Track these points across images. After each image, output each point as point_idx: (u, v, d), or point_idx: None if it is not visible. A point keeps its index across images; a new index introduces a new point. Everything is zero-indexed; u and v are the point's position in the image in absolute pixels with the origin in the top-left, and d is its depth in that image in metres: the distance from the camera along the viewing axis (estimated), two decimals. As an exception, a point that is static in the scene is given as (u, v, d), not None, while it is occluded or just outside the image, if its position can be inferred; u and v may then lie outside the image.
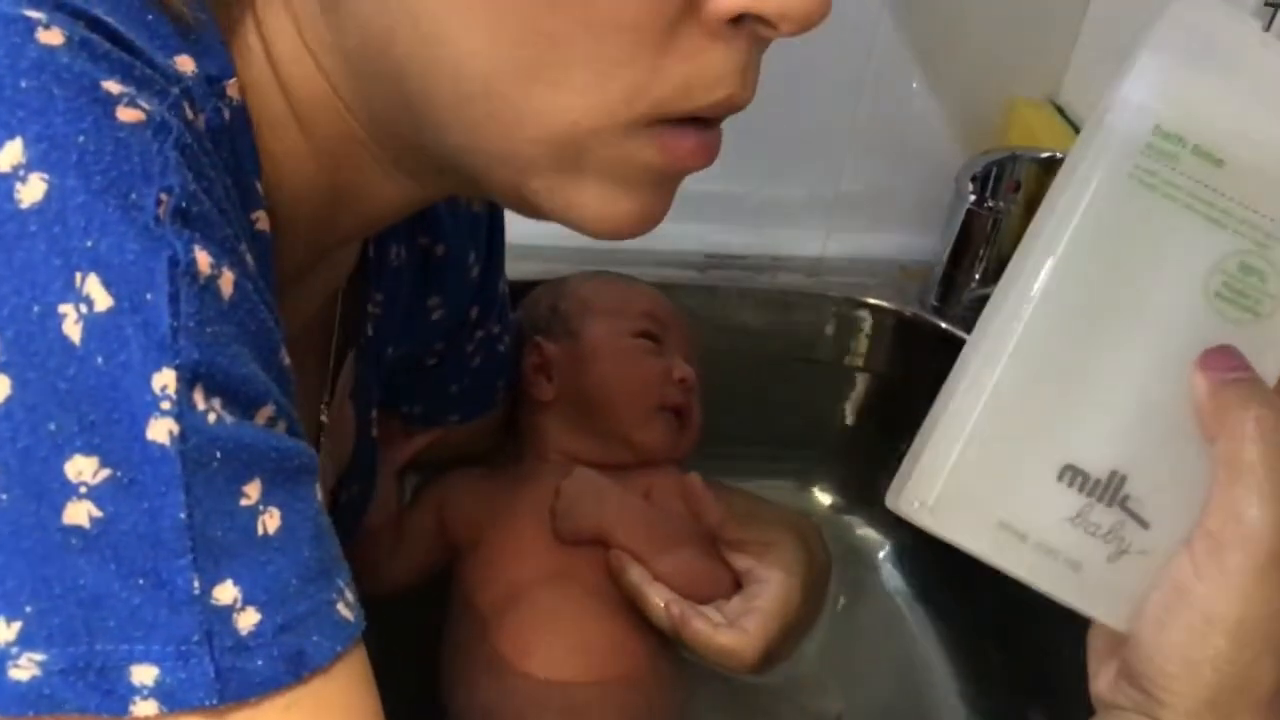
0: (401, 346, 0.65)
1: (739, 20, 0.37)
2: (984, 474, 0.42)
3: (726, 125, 0.90)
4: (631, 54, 0.37)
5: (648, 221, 0.42)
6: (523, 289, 0.82)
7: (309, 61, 0.40)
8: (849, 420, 0.99)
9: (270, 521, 0.33)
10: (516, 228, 0.79)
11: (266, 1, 0.40)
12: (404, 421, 0.72)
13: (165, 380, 0.31)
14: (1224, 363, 0.41)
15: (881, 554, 0.96)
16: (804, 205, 0.99)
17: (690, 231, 0.96)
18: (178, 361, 0.31)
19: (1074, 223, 0.41)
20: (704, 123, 0.40)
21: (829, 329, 0.95)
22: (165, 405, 0.31)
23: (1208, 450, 0.41)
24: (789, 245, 0.99)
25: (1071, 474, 0.42)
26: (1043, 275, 0.41)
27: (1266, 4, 0.71)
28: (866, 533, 0.97)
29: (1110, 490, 0.42)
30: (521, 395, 0.76)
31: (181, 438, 0.31)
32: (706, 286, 0.94)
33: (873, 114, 0.96)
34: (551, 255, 0.88)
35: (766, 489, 0.96)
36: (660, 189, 0.42)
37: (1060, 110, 0.95)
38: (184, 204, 0.32)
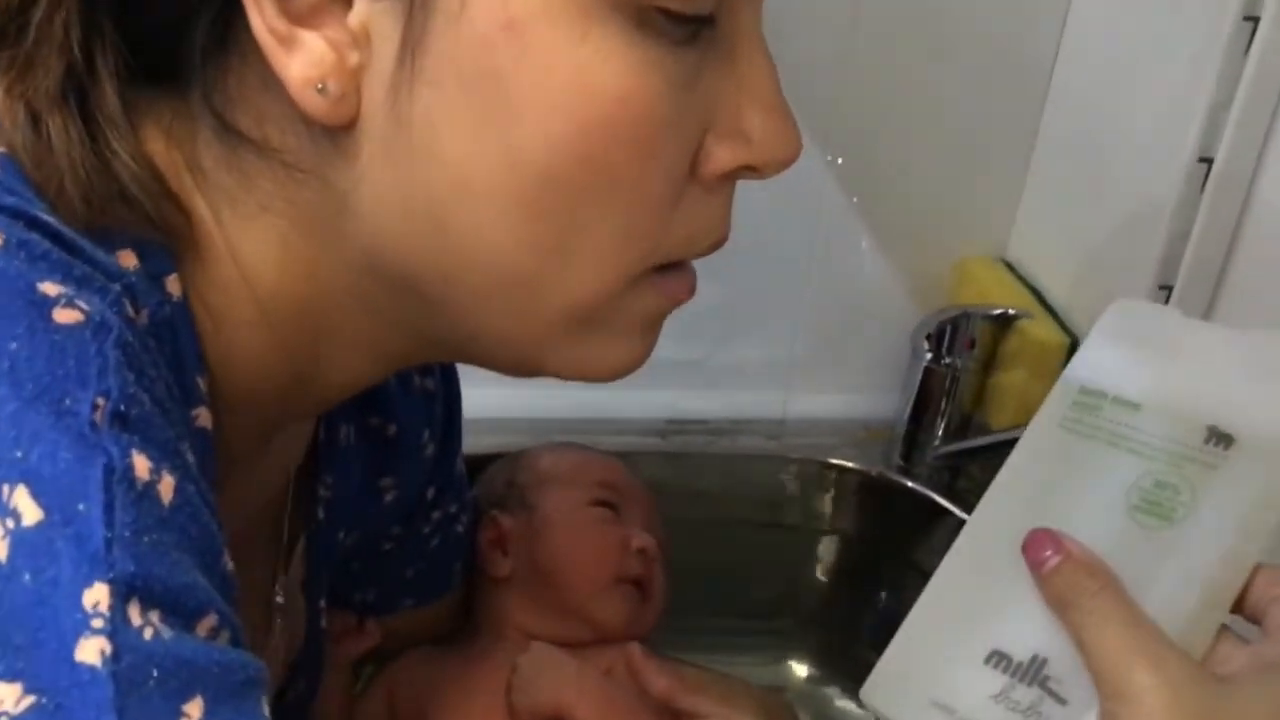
0: (355, 531, 0.65)
1: (727, 174, 0.41)
2: (920, 657, 0.50)
3: (697, 297, 0.91)
4: (650, 222, 0.40)
5: (642, 361, 0.46)
6: (482, 463, 0.82)
7: (293, 267, 0.42)
8: (820, 585, 0.99)
9: None
10: (474, 400, 0.81)
11: (236, 215, 0.41)
12: (356, 610, 0.72)
13: (97, 596, 0.30)
14: (1038, 548, 0.48)
15: (861, 727, 0.95)
16: (762, 368, 1.01)
17: (651, 398, 0.97)
18: (111, 575, 0.30)
19: (1012, 461, 0.52)
20: (681, 264, 0.44)
21: (794, 491, 0.96)
22: (97, 623, 0.30)
23: None
24: (749, 408, 1.01)
25: (998, 658, 0.48)
26: (987, 502, 0.52)
27: (1201, 160, 0.74)
28: (846, 705, 0.96)
29: (1031, 672, 0.47)
30: (477, 571, 0.76)
31: (114, 657, 0.30)
32: (668, 453, 0.95)
33: (825, 276, 1.00)
34: (512, 428, 0.90)
35: (739, 663, 0.96)
36: (657, 328, 0.45)
37: (1010, 266, 0.99)
38: (122, 407, 0.32)
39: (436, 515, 0.71)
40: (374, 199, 0.39)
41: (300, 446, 0.56)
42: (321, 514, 0.59)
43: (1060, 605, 0.46)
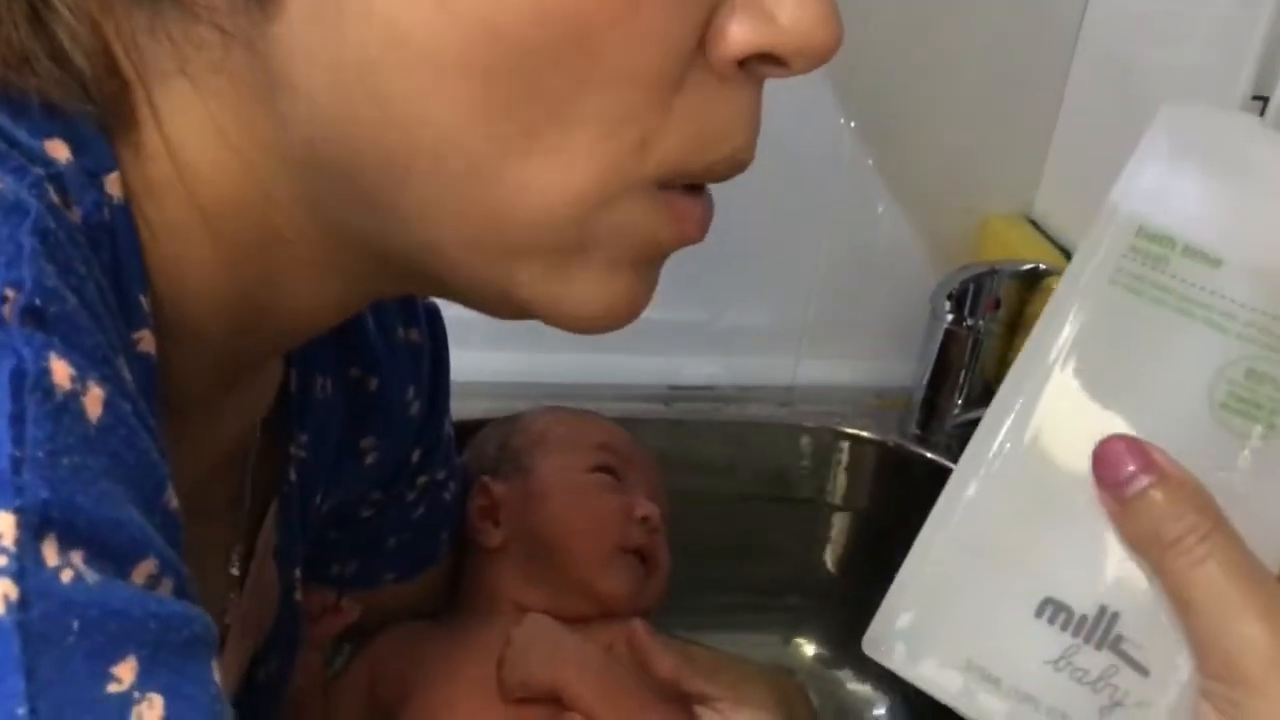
0: (332, 495, 0.60)
1: (746, 62, 0.34)
2: (953, 608, 0.39)
3: (688, 252, 0.87)
4: (640, 106, 0.33)
5: (635, 311, 0.38)
6: (473, 429, 0.77)
7: (231, 162, 0.36)
8: (831, 563, 0.94)
9: (149, 713, 0.26)
10: (465, 362, 0.76)
11: (169, 93, 0.35)
12: (334, 584, 0.66)
13: (1, 528, 0.25)
14: (1116, 464, 0.37)
15: (876, 711, 0.90)
16: (772, 332, 0.96)
17: (653, 364, 0.92)
18: (19, 503, 0.25)
19: (1055, 338, 0.39)
20: (697, 190, 0.37)
21: (805, 463, 0.91)
22: (1, 561, 0.25)
23: None
24: (757, 374, 0.95)
25: (1053, 609, 0.38)
26: (1021, 393, 0.39)
27: (1254, 98, 0.69)
28: (858, 688, 0.91)
29: (1100, 630, 0.37)
30: (466, 543, 0.71)
31: (22, 604, 0.25)
32: (672, 420, 0.90)
33: (839, 237, 0.94)
34: (505, 392, 0.85)
35: (745, 642, 0.91)
36: (653, 269, 0.38)
37: (1035, 224, 0.93)
38: (38, 301, 0.27)
39: (422, 481, 0.65)
40: (306, 68, 0.33)
41: (266, 396, 0.50)
42: (294, 475, 0.54)
43: (1148, 545, 0.36)
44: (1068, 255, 0.88)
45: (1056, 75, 0.91)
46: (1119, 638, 0.37)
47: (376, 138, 0.33)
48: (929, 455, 0.88)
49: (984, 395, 0.89)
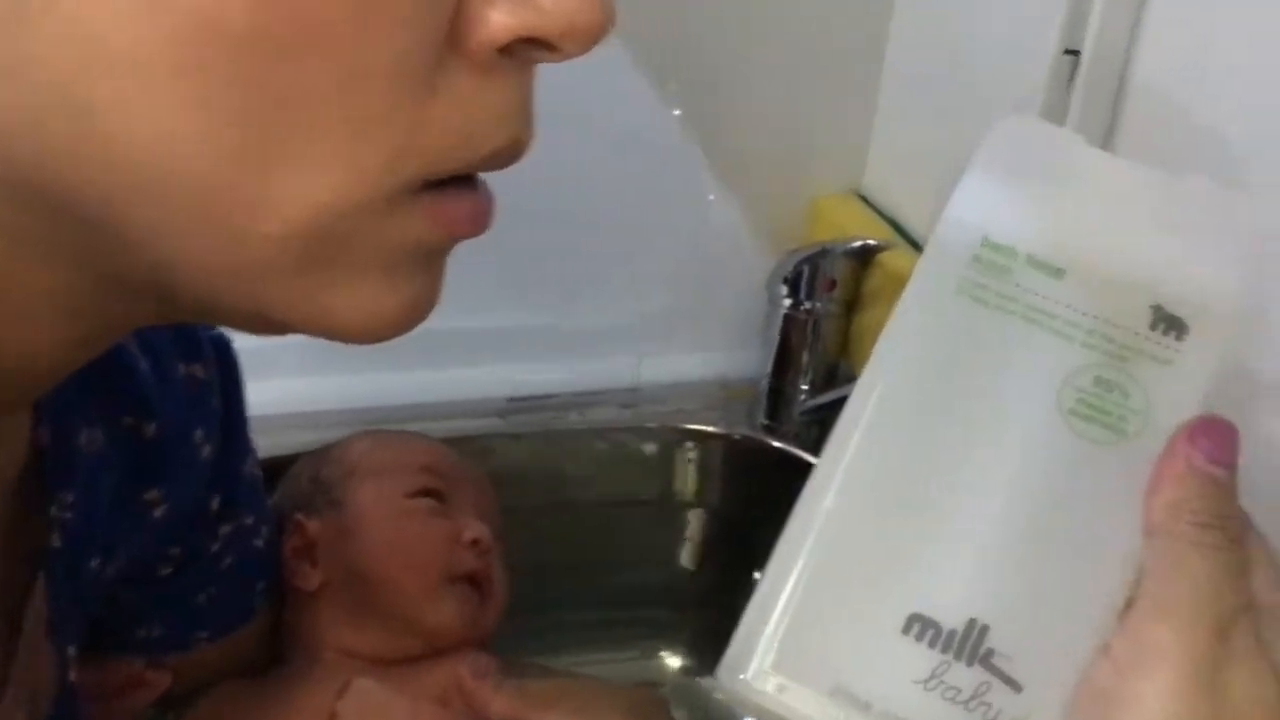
0: (117, 557, 0.55)
1: (510, 49, 0.31)
2: (816, 629, 0.37)
3: (519, 256, 0.84)
4: (390, 107, 0.30)
5: (421, 312, 0.36)
6: (290, 465, 0.73)
7: None
8: (689, 566, 0.92)
9: None
10: (275, 392, 0.71)
11: None
12: (141, 651, 0.61)
13: None
14: (1216, 447, 0.37)
15: None
16: (610, 333, 0.93)
17: (487, 375, 0.89)
18: None
19: (900, 346, 0.39)
20: (469, 182, 0.34)
21: (653, 464, 0.89)
22: None
23: (1090, 585, 0.37)
24: (599, 378, 0.93)
25: (920, 625, 0.37)
26: (871, 402, 0.39)
27: (1066, 52, 0.69)
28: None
29: (969, 644, 0.36)
30: (284, 587, 0.67)
31: None
32: (511, 434, 0.87)
33: (674, 229, 0.92)
34: (322, 422, 0.80)
35: (608, 660, 0.88)
36: (431, 269, 0.35)
37: (865, 200, 0.92)
38: None
39: (226, 530, 0.61)
40: None
41: (12, 456, 0.45)
42: (58, 540, 0.49)
43: (1178, 511, 0.37)
44: (899, 230, 0.88)
45: (875, 47, 0.90)
46: (990, 652, 0.36)
47: (87, 156, 0.29)
48: (777, 445, 0.86)
49: (828, 379, 0.87)
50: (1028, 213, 0.40)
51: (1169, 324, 0.38)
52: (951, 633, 0.36)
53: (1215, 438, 0.37)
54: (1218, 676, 0.34)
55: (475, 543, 0.66)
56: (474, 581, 0.66)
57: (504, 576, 0.68)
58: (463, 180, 0.34)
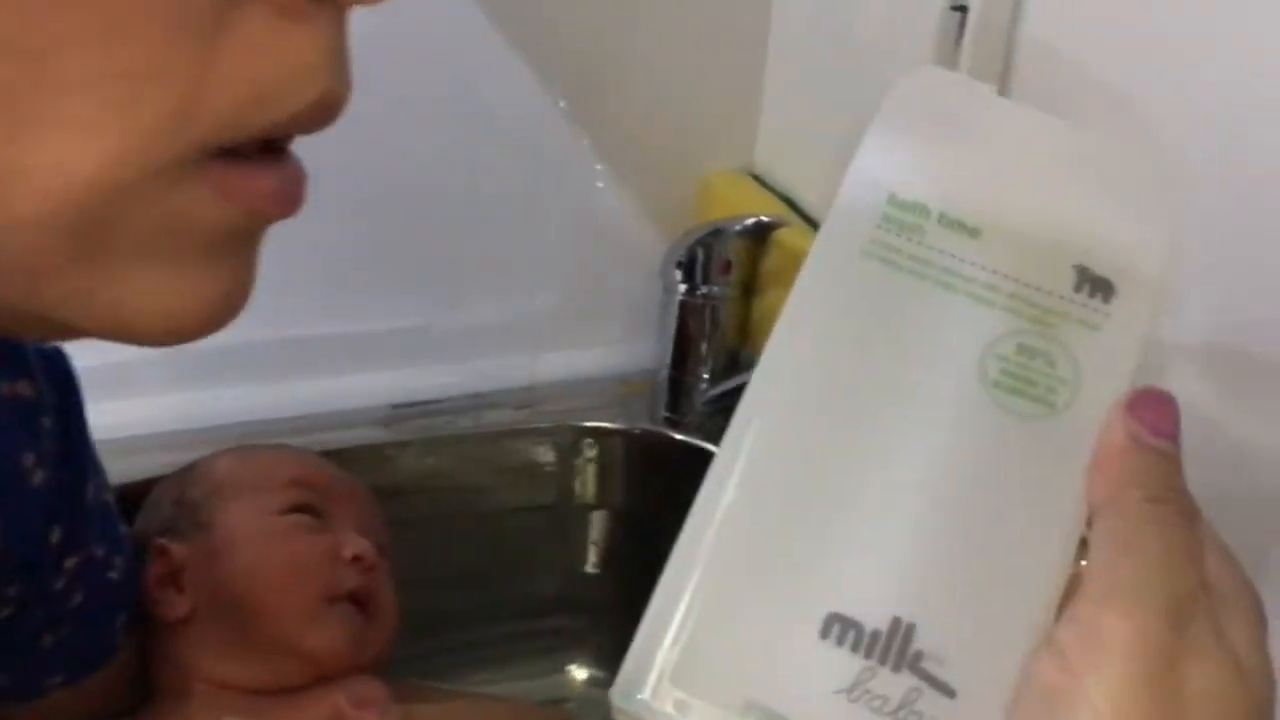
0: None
1: None
2: (723, 638, 0.33)
3: (396, 254, 0.78)
4: (166, 56, 0.26)
5: (226, 308, 0.31)
6: (151, 489, 0.67)
7: None
8: (594, 570, 0.87)
9: None
10: (132, 411, 0.66)
11: None
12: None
13: None
14: (1159, 420, 0.34)
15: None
16: (500, 332, 0.89)
17: (368, 382, 0.84)
18: None
19: (803, 320, 0.35)
20: (274, 151, 0.29)
21: (552, 466, 0.84)
22: None
23: (1026, 573, 0.34)
24: (490, 379, 0.88)
25: (840, 627, 0.33)
26: (771, 383, 0.35)
27: (953, 8, 0.66)
28: (642, 704, 0.85)
29: (895, 647, 0.33)
30: (149, 618, 0.61)
31: None
32: (397, 443, 0.82)
33: (562, 220, 0.88)
34: (189, 440, 0.75)
35: (516, 676, 0.84)
36: (236, 256, 0.30)
37: (759, 179, 0.89)
38: None
39: (72, 563, 0.55)
40: None
41: None
42: None
43: (1128, 485, 0.34)
44: (794, 208, 0.85)
45: (758, 19, 0.87)
46: (918, 654, 0.33)
47: None
48: (679, 438, 0.83)
49: (730, 366, 0.84)
50: (939, 168, 0.37)
51: (1095, 286, 0.35)
52: (875, 634, 0.33)
53: (1156, 409, 0.34)
54: (1174, 669, 0.31)
55: (357, 559, 0.61)
56: (358, 601, 0.61)
57: (392, 594, 0.63)
58: (266, 149, 0.29)
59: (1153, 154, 0.39)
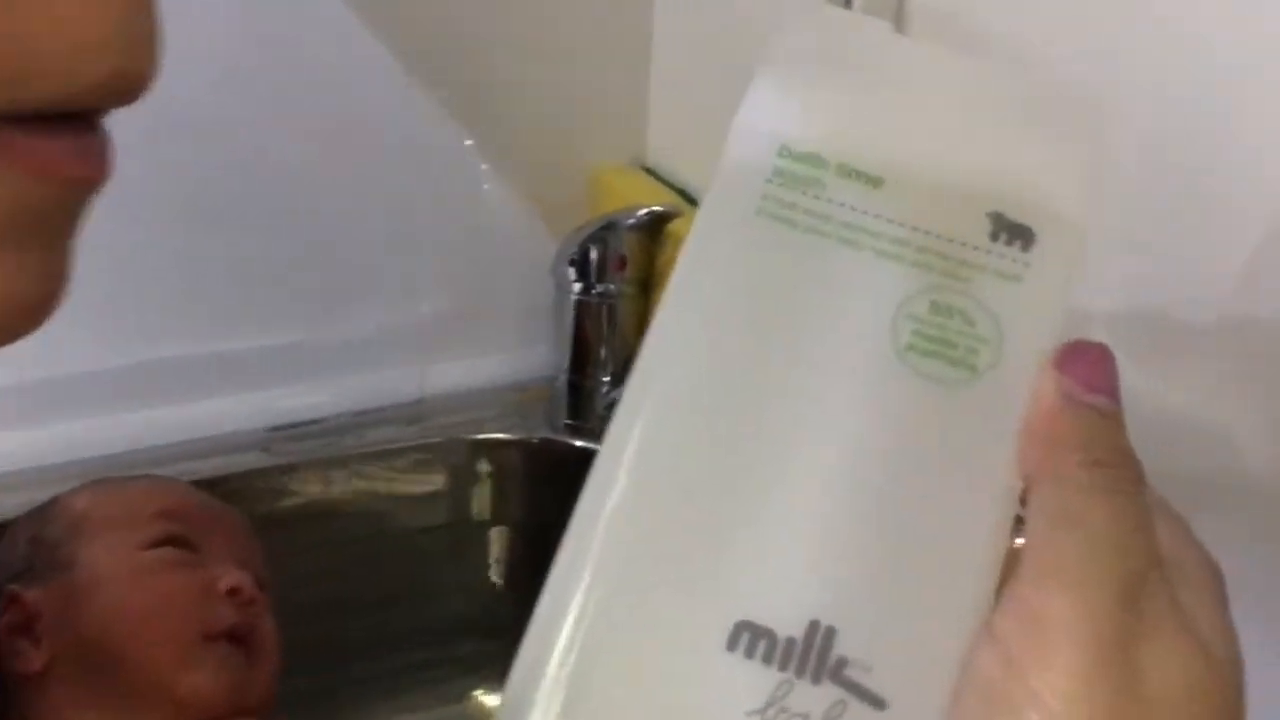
0: None
1: None
2: (612, 661, 0.29)
3: (268, 267, 0.73)
4: None
5: (37, 301, 0.26)
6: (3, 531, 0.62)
7: None
8: (499, 590, 0.83)
9: None
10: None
11: None
12: None
13: None
14: (1094, 374, 0.31)
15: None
16: (385, 343, 0.84)
17: (244, 404, 0.79)
18: None
19: (695, 288, 0.32)
20: (79, 121, 0.25)
21: (446, 483, 0.80)
22: None
23: (957, 560, 0.30)
24: (377, 394, 0.83)
25: (750, 636, 0.29)
26: (659, 367, 0.31)
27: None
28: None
29: (815, 654, 0.29)
30: (2, 673, 0.55)
31: None
32: (278, 467, 0.76)
33: (446, 225, 0.84)
34: (49, 477, 0.69)
35: (417, 709, 0.80)
36: (42, 239, 0.26)
37: (651, 172, 0.86)
38: None
39: None
40: None
41: None
42: None
43: (1067, 452, 0.30)
44: (688, 198, 0.81)
45: (643, 8, 0.84)
46: (841, 662, 0.29)
47: None
48: (581, 445, 0.79)
49: (630, 367, 0.80)
50: (834, 115, 0.33)
51: (1013, 233, 0.32)
52: (790, 642, 0.29)
53: (1090, 363, 0.31)
54: (1129, 654, 0.27)
55: (234, 592, 0.56)
56: (236, 638, 0.56)
57: (274, 630, 0.58)
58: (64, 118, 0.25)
59: (1069, 88, 0.35)
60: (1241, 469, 0.48)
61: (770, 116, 0.33)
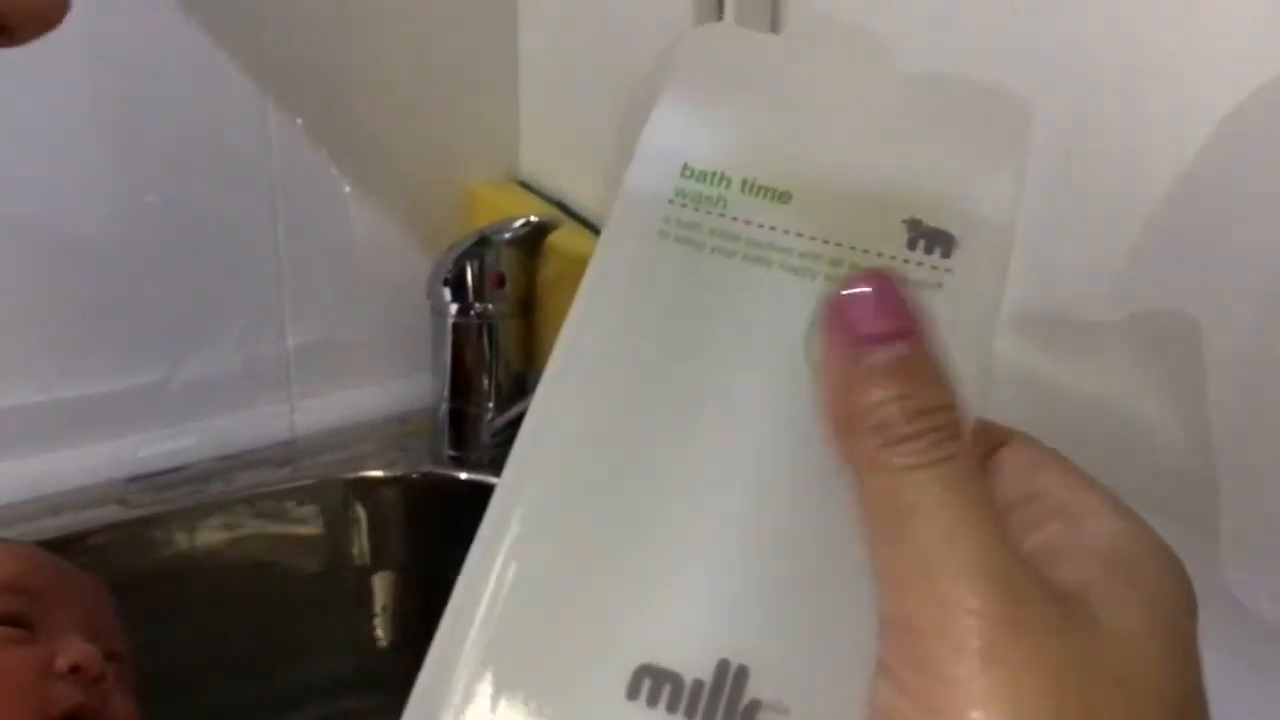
0: None
1: None
2: (505, 708, 0.26)
3: (122, 304, 0.68)
4: None
5: None
6: None
7: None
8: (387, 641, 0.78)
9: None
10: None
11: None
12: None
13: None
14: (879, 315, 0.27)
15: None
16: (250, 380, 0.78)
17: (96, 454, 0.73)
18: None
19: (594, 317, 0.30)
20: None
21: (320, 527, 0.75)
22: None
23: (868, 600, 0.26)
24: (242, 436, 0.78)
25: (652, 681, 0.26)
26: (559, 397, 0.29)
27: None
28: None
29: (725, 699, 0.26)
30: None
31: None
32: (139, 520, 0.71)
33: (308, 254, 0.78)
34: None
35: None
36: None
37: (526, 186, 0.82)
38: None
39: None
40: None
41: None
42: None
43: (866, 432, 0.26)
44: (566, 211, 0.78)
45: (506, 18, 0.80)
46: (754, 705, 0.26)
47: None
48: (465, 477, 0.74)
49: (516, 391, 0.76)
50: (738, 131, 0.32)
51: (932, 239, 0.30)
52: (697, 685, 0.26)
53: (865, 306, 0.27)
54: (1017, 651, 0.23)
55: (75, 669, 0.50)
56: (82, 720, 0.50)
57: (131, 707, 0.53)
58: None
59: (988, 85, 0.33)
60: (1150, 450, 0.46)
61: (672, 137, 0.32)
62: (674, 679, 0.26)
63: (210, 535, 0.72)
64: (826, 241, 0.30)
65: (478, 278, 0.74)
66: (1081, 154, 0.47)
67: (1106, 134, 0.45)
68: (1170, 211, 0.44)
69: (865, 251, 0.30)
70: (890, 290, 0.27)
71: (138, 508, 0.71)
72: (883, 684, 0.25)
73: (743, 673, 0.26)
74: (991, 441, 0.28)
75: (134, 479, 0.73)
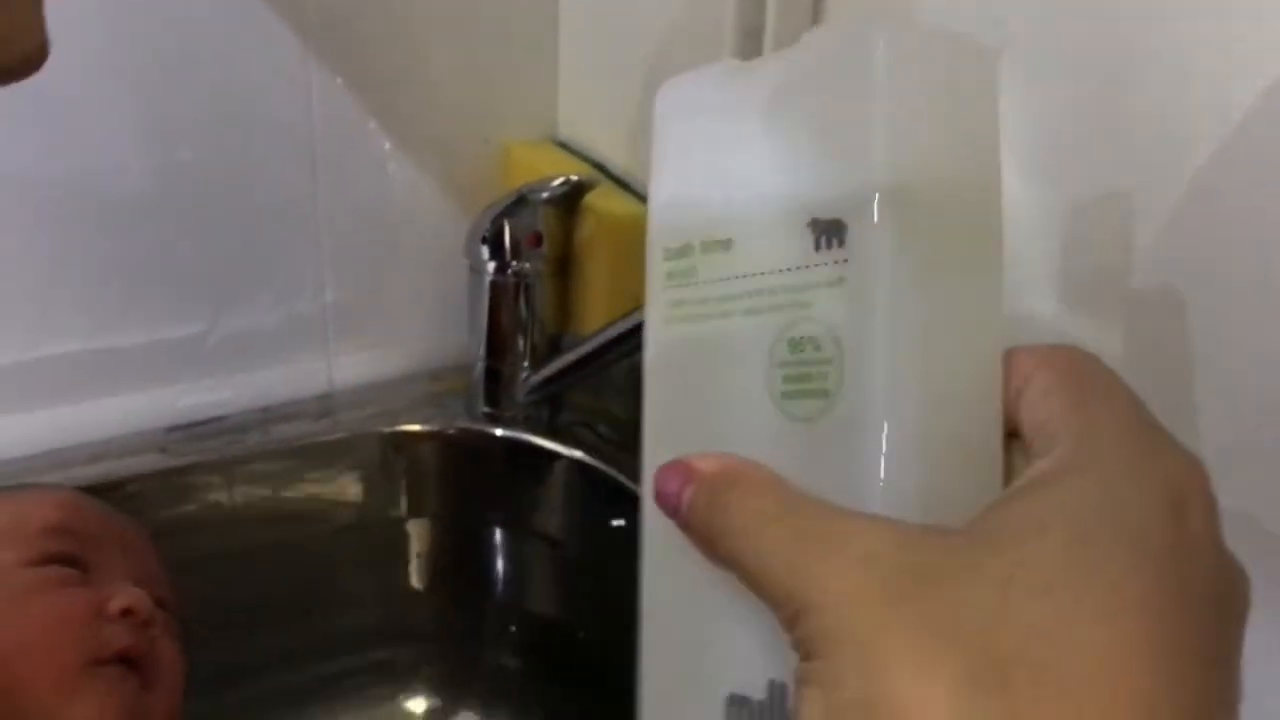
0: None
1: None
2: None
3: (166, 258, 0.68)
4: None
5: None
6: None
7: None
8: (419, 589, 0.79)
9: None
10: None
11: None
12: None
13: None
14: (669, 487, 0.31)
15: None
16: (289, 335, 0.80)
17: (138, 403, 0.74)
18: None
19: (651, 407, 0.35)
20: None
21: (359, 479, 0.76)
22: None
23: None
24: (281, 389, 0.79)
25: (738, 707, 0.31)
26: (645, 468, 0.34)
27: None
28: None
29: (772, 709, 0.30)
30: None
31: None
32: (178, 469, 0.72)
33: (348, 208, 0.79)
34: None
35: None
36: None
37: (564, 146, 0.83)
38: None
39: None
40: None
41: None
42: None
43: (713, 545, 0.30)
44: (603, 170, 0.78)
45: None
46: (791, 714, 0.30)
47: None
48: (501, 433, 0.75)
49: (551, 349, 0.77)
50: (691, 193, 0.34)
51: (829, 233, 0.30)
52: (761, 705, 0.31)
53: (665, 487, 0.31)
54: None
55: (127, 613, 0.52)
56: (129, 661, 0.51)
57: (176, 651, 0.54)
58: None
59: (847, 32, 0.32)
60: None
61: (655, 220, 0.35)
62: (749, 703, 0.31)
63: (247, 485, 0.73)
64: (761, 274, 0.32)
65: (515, 237, 0.74)
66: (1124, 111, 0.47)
67: (1151, 85, 0.45)
68: (1211, 180, 0.44)
69: (788, 270, 0.31)
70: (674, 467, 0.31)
71: (177, 456, 0.72)
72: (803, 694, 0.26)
73: (783, 689, 0.30)
74: (1022, 370, 0.30)
75: (174, 428, 0.75)
